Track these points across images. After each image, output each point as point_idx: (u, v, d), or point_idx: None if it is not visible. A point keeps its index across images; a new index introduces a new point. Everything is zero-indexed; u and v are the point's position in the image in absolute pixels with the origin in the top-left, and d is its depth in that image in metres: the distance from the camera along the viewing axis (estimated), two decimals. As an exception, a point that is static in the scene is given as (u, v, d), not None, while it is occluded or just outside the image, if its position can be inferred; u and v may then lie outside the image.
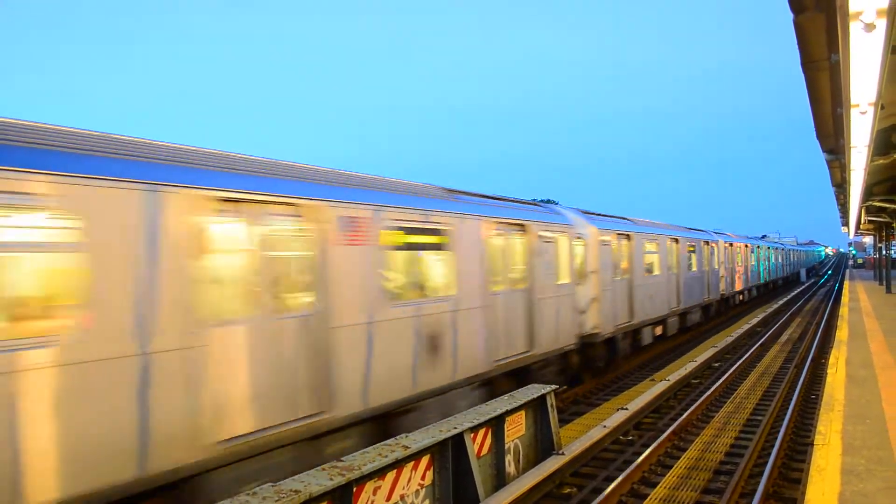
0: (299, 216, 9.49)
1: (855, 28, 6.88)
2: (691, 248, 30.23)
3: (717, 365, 22.90)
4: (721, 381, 19.06)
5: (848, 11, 6.59)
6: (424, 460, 9.04)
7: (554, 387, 12.26)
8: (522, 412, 11.38)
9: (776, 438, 13.56)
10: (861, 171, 12.98)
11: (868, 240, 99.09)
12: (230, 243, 8.70)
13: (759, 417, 15.72)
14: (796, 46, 9.32)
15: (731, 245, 39.73)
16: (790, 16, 8.58)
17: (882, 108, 10.38)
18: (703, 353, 23.62)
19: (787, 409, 15.97)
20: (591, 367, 19.62)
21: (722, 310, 38.19)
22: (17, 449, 6.50)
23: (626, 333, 21.81)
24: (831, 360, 15.98)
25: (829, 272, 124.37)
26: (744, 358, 23.12)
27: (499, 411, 10.60)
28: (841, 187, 21.06)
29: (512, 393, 11.92)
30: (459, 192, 14.06)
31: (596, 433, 13.18)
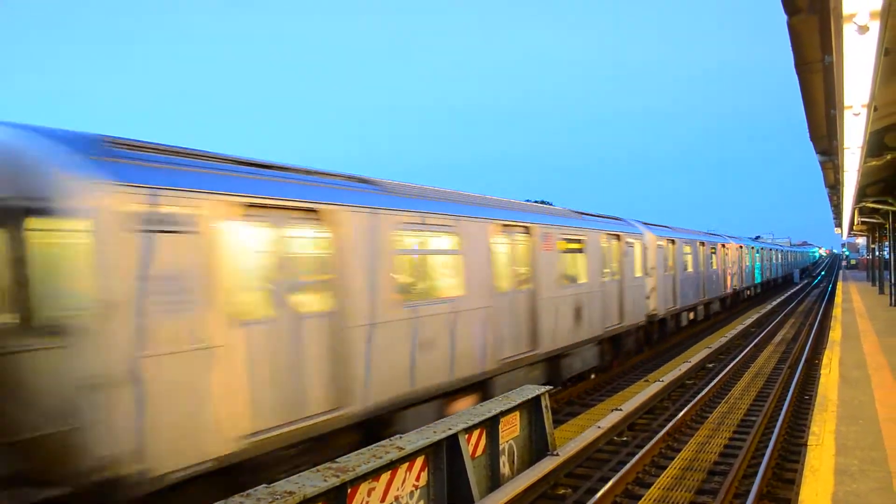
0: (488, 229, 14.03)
1: (848, 30, 6.90)
2: (712, 250, 37.05)
3: (711, 366, 22.95)
4: (715, 381, 19.10)
5: (841, 13, 6.61)
6: (419, 461, 9.04)
7: (548, 388, 12.29)
8: (517, 413, 11.39)
9: (770, 439, 13.60)
10: (854, 172, 13.01)
11: (861, 241, 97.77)
12: (444, 247, 12.84)
13: (754, 418, 15.75)
14: (790, 48, 9.34)
15: (741, 247, 47.28)
16: (784, 17, 8.60)
17: (875, 109, 10.41)
18: (697, 354, 23.70)
19: (781, 409, 16.01)
20: (650, 339, 25.55)
21: (733, 303, 45.06)
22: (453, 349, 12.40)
23: (673, 315, 28.35)
24: (825, 360, 16.00)
25: (823, 273, 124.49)
26: (738, 359, 23.18)
27: (493, 412, 10.61)
28: (834, 188, 20.86)
29: (506, 393, 11.95)
30: (584, 213, 20.43)
31: (590, 434, 13.20)
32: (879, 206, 23.85)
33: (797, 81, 10.30)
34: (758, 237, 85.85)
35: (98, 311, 6.90)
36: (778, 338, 29.99)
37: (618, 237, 21.25)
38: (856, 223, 38.57)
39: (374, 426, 10.63)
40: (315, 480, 7.50)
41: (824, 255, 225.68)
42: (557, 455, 11.65)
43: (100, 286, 6.97)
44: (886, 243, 44.97)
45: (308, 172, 10.32)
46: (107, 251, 7.03)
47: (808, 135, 12.03)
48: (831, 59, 7.95)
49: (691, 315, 31.76)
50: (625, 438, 14.21)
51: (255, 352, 8.70)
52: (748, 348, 25.65)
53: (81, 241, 6.92)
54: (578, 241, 18.17)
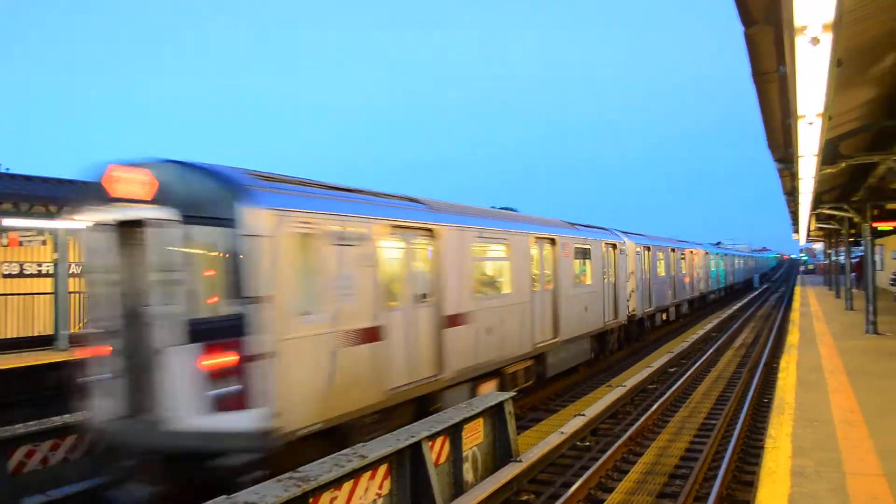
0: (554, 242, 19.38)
1: (801, 42, 7.04)
2: (682, 256, 39.60)
3: (673, 370, 23.20)
4: (676, 385, 19.33)
5: (794, 26, 6.74)
6: (382, 470, 9.05)
7: (511, 394, 12.41)
8: (480, 420, 11.44)
9: (730, 442, 13.79)
10: (810, 179, 13.27)
11: (818, 246, 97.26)
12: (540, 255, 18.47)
13: (714, 421, 15.97)
14: (748, 58, 9.51)
15: (706, 253, 49.86)
16: (741, 28, 8.75)
17: (829, 118, 10.61)
18: (658, 359, 23.92)
19: (741, 413, 16.24)
20: (629, 337, 28.13)
21: (700, 306, 47.41)
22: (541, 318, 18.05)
23: (650, 316, 31.28)
24: (782, 364, 16.28)
25: (782, 277, 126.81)
26: (698, 363, 23.47)
27: (456, 419, 10.66)
28: (791, 195, 21.14)
29: (470, 400, 12.06)
30: (578, 224, 23.27)
31: (553, 439, 13.28)
32: (835, 213, 24.07)
33: (755, 91, 10.48)
34: (719, 243, 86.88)
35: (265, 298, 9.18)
36: (738, 342, 30.42)
37: (614, 246, 25.02)
38: (812, 229, 38.92)
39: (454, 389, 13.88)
40: (276, 490, 7.48)
41: (783, 260, 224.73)
42: (521, 461, 11.72)
43: (262, 282, 9.23)
44: (842, 249, 45.04)
45: (417, 201, 13.68)
46: (273, 255, 9.39)
47: (765, 143, 12.25)
48: (786, 69, 8.09)
49: (664, 315, 35.18)
50: (588, 444, 14.32)
51: (396, 329, 11.92)
52: (709, 353, 25.99)
53: (259, 248, 9.26)
54: (585, 249, 21.98)
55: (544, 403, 18.97)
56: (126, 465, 9.61)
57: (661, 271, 33.73)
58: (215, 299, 9.94)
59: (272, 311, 9.21)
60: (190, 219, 9.36)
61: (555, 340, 18.92)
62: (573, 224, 22.53)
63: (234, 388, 9.09)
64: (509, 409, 11.97)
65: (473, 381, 14.62)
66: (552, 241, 19.07)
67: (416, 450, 9.55)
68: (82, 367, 10.09)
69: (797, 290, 53.61)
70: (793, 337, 21.27)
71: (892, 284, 42.71)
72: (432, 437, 10.05)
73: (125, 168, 9.79)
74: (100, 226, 10.00)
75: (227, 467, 8.98)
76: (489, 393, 12.74)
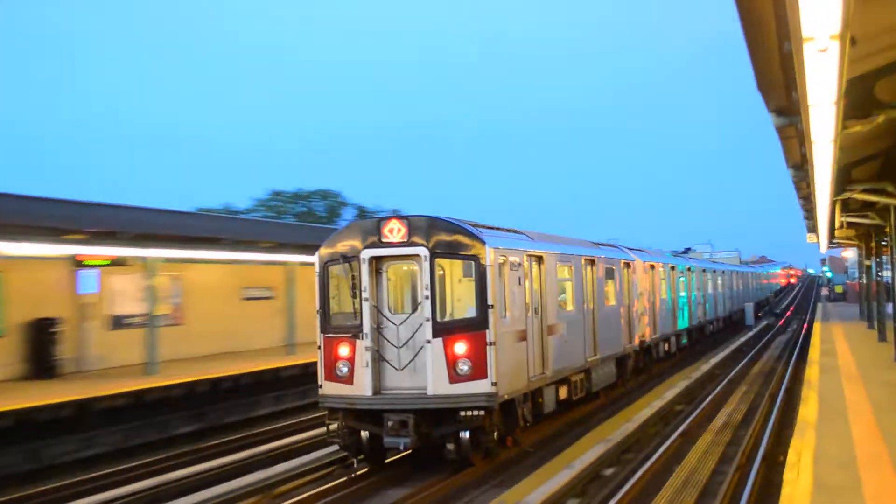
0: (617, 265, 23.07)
1: None
2: (681, 274, 33.37)
3: (608, 473, 14.22)
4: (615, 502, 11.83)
5: None
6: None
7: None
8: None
9: None
10: (828, 142, 9.22)
11: (850, 255, 65.48)
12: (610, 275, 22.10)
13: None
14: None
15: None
16: None
17: (853, 43, 6.72)
18: (589, 451, 14.81)
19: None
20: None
21: (700, 337, 37.74)
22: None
23: (656, 343, 27.82)
24: (791, 457, 10.99)
25: (793, 306, 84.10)
26: (654, 458, 14.66)
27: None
28: (800, 170, 14.20)
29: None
30: (602, 244, 24.67)
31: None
32: (875, 198, 16.53)
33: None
34: (687, 250, 52.11)
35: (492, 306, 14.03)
36: (720, 420, 18.90)
37: (628, 265, 24.30)
38: (838, 225, 25.59)
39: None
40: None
41: (794, 277, 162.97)
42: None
43: (490, 295, 14.12)
44: (887, 256, 29.06)
45: (521, 232, 17.28)
46: (493, 277, 14.17)
47: (754, 82, 8.17)
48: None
49: (666, 346, 30.41)
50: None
51: (530, 333, 15.77)
52: (672, 438, 16.36)
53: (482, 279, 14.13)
54: (611, 269, 22.35)
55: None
56: (395, 422, 13.94)
57: (664, 294, 30.17)
58: (459, 307, 15.04)
59: (495, 316, 14.04)
60: (443, 254, 14.46)
61: (595, 357, 20.04)
62: (597, 244, 23.56)
63: (473, 365, 13.95)
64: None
65: (556, 383, 17.19)
66: (592, 262, 20.39)
67: None
68: (334, 360, 14.75)
69: (817, 327, 35.52)
70: (808, 408, 14.33)
71: None
72: None
73: (393, 220, 14.81)
74: (368, 260, 14.68)
75: (471, 418, 13.91)
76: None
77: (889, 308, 27.39)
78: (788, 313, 69.35)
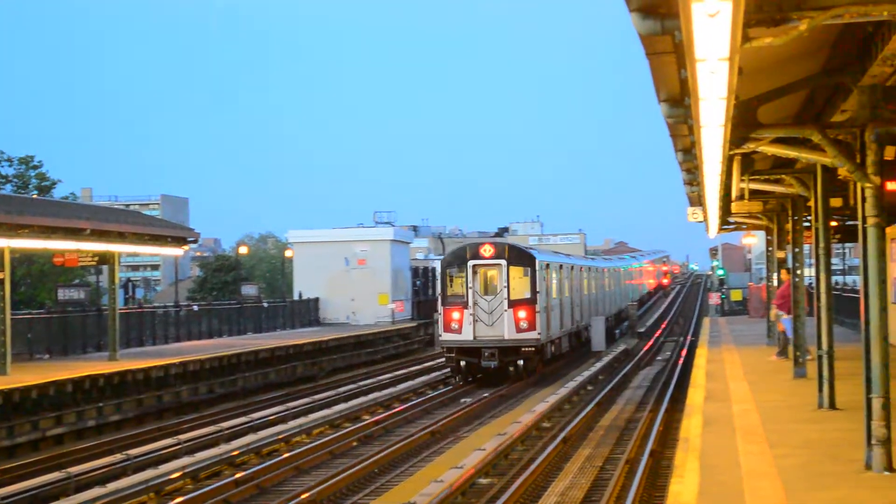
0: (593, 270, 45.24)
1: None
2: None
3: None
4: None
5: None
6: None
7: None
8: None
9: None
10: (721, 61, 5.15)
11: (755, 241, 48.61)
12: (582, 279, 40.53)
13: None
14: None
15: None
16: None
17: None
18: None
19: None
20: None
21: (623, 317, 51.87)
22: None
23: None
24: None
25: (665, 321, 58.13)
26: None
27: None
28: (678, 105, 8.48)
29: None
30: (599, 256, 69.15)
31: None
32: (792, 153, 10.59)
33: None
34: (503, 231, 43.17)
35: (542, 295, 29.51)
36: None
37: (547, 265, 32.06)
38: (737, 195, 16.60)
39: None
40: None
41: (670, 276, 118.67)
42: None
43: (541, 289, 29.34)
44: (811, 246, 17.40)
45: (558, 252, 42.52)
46: (540, 277, 29.43)
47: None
48: None
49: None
50: None
51: (557, 306, 32.57)
52: None
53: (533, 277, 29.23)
54: (636, 269, 59.17)
55: None
56: (488, 353, 27.78)
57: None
58: (519, 291, 28.60)
59: (539, 297, 28.63)
60: (514, 264, 28.70)
61: (582, 323, 38.55)
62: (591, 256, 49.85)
63: (528, 323, 28.13)
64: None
65: (566, 335, 34.67)
66: (560, 267, 34.43)
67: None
68: (450, 321, 28.38)
69: (701, 354, 24.83)
70: (685, 485, 9.34)
71: None
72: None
73: (487, 244, 29.83)
74: (474, 266, 28.63)
75: (526, 352, 28.41)
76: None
77: (811, 325, 17.22)
78: (658, 333, 49.46)
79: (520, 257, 29.04)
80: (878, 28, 7.83)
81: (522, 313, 27.86)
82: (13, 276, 36.07)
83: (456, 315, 27.96)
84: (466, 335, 27.91)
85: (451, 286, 28.68)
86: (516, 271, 28.53)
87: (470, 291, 27.95)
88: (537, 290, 28.29)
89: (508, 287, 28.01)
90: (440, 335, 29.27)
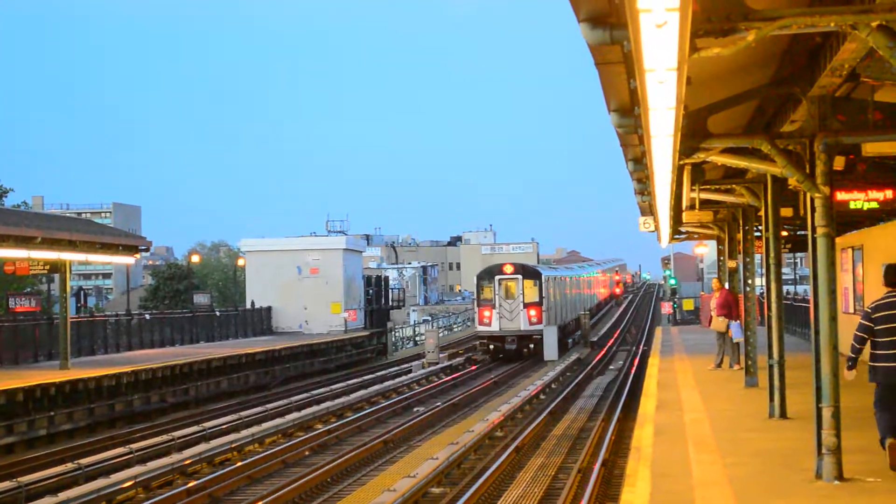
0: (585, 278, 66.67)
1: None
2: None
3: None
4: None
5: None
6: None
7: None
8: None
9: None
10: (670, 71, 5.20)
11: (706, 251, 50.08)
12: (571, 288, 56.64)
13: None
14: None
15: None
16: None
17: None
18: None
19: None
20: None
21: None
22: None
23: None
24: None
25: (618, 330, 59.10)
26: None
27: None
28: (628, 115, 8.62)
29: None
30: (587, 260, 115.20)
31: None
32: (742, 163, 10.83)
33: None
34: (456, 240, 48.52)
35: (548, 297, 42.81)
36: None
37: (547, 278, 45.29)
38: (688, 205, 16.76)
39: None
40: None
41: (619, 285, 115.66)
42: None
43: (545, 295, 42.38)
44: (762, 255, 18.03)
45: (554, 267, 62.29)
46: (546, 287, 42.47)
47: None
48: None
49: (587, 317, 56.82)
50: None
51: (557, 304, 45.79)
52: None
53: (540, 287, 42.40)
54: (590, 277, 68.58)
55: None
56: (510, 339, 40.50)
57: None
58: (531, 296, 41.29)
59: (544, 300, 41.45)
60: (527, 278, 41.55)
61: (570, 318, 50.30)
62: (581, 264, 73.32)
63: (537, 319, 40.86)
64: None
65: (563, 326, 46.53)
66: (556, 279, 47.76)
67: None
68: (482, 317, 41.62)
69: (653, 364, 24.84)
70: (636, 494, 9.51)
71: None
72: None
73: (508, 264, 43.09)
74: (499, 279, 41.54)
75: (536, 339, 40.40)
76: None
77: (762, 334, 17.72)
78: (611, 342, 50.49)
79: (531, 273, 42.19)
80: (826, 39, 7.88)
81: (533, 312, 40.62)
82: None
83: (487, 313, 40.79)
84: (494, 327, 40.57)
85: (483, 293, 41.27)
86: (528, 283, 40.96)
87: (496, 297, 40.66)
88: (543, 295, 40.93)
89: (523, 294, 40.67)
90: (476, 328, 43.73)
